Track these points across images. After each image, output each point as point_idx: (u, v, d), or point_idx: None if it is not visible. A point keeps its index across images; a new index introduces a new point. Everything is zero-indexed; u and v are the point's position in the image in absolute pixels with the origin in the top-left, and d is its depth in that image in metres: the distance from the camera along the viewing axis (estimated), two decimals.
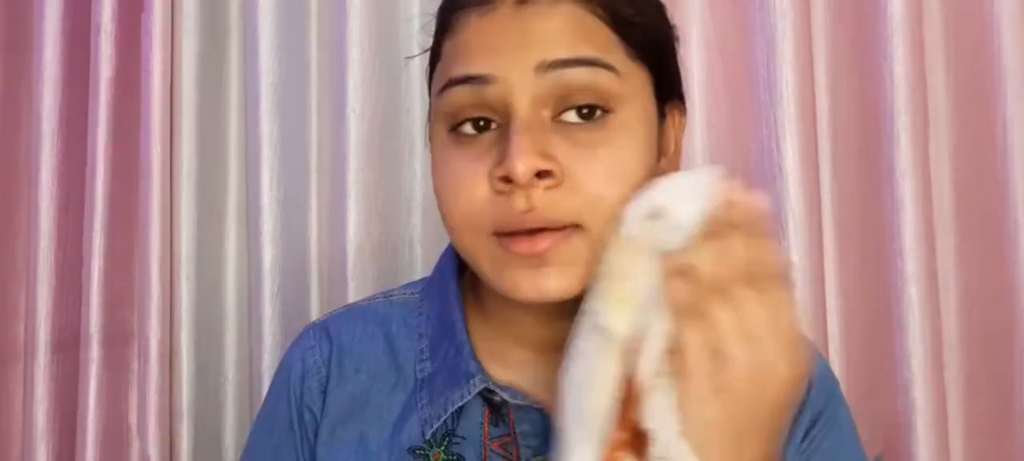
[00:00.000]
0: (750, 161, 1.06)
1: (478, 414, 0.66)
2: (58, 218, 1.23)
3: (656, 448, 0.53)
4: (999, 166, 1.03)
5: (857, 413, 0.74)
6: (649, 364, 0.53)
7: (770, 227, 0.53)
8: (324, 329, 0.73)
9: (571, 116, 0.57)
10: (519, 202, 0.56)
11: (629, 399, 0.53)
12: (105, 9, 1.21)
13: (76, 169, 1.23)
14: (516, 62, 0.57)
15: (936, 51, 1.07)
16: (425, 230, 1.17)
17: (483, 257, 0.59)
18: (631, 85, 0.59)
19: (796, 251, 1.02)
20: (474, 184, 0.58)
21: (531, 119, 0.57)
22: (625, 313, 0.53)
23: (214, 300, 1.24)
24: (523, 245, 0.56)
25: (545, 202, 0.56)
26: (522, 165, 0.55)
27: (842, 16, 1.08)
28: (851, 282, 1.07)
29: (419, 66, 1.18)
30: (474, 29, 0.59)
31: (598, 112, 0.58)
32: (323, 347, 0.72)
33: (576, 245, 0.56)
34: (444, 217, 0.61)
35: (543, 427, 0.64)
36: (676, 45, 0.66)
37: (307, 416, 0.70)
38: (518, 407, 0.65)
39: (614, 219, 0.56)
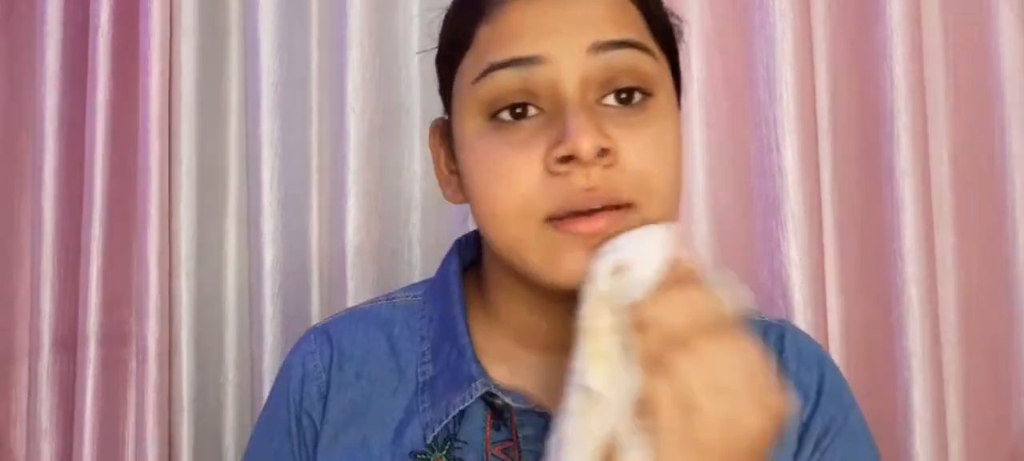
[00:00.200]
0: (750, 161, 1.06)
1: (480, 418, 0.66)
2: (59, 219, 1.23)
3: None
4: (998, 166, 1.03)
5: None
6: (623, 420, 0.52)
7: (715, 280, 0.53)
8: (325, 333, 0.73)
9: (610, 100, 0.58)
10: (580, 180, 0.56)
11: (610, 457, 0.53)
12: (104, 9, 1.21)
13: (76, 169, 1.23)
14: (569, 43, 0.57)
15: (936, 51, 1.07)
16: (425, 230, 1.17)
17: (531, 246, 0.58)
18: (663, 72, 0.61)
19: (796, 251, 1.02)
20: (526, 169, 0.57)
21: (582, 100, 0.57)
22: (603, 369, 0.53)
23: (214, 300, 1.24)
24: (582, 224, 0.56)
25: (605, 181, 0.56)
26: (587, 142, 0.55)
27: (842, 16, 1.08)
28: (851, 282, 1.06)
29: (419, 66, 1.18)
30: (519, 13, 0.58)
31: (637, 96, 0.58)
32: (324, 352, 0.71)
33: (631, 223, 0.57)
34: (485, 209, 0.60)
35: (546, 432, 0.63)
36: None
37: (306, 421, 0.70)
38: (521, 411, 0.64)
39: (664, 200, 0.58)
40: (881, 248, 1.02)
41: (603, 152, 0.56)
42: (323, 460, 0.68)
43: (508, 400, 0.64)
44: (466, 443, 0.65)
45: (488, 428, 0.65)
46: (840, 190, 1.07)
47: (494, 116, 0.59)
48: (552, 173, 0.56)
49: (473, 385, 0.64)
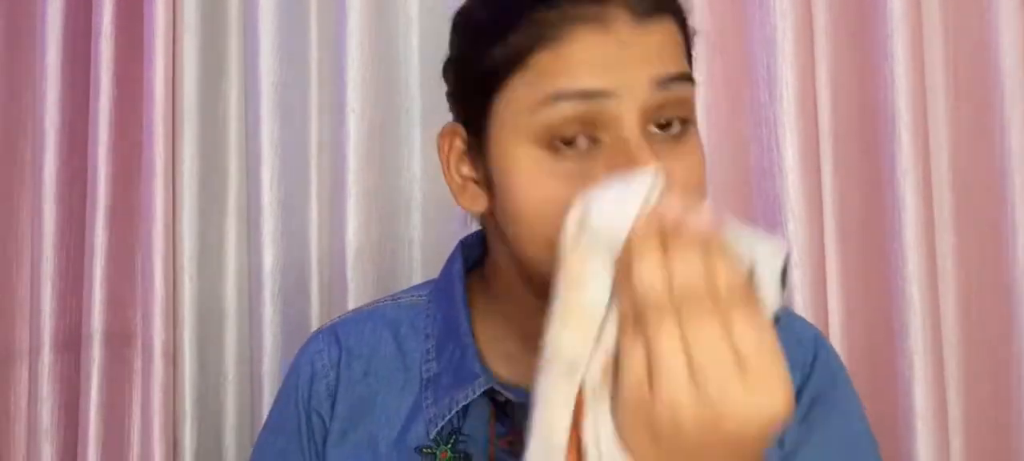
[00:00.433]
0: (750, 161, 1.06)
1: (484, 413, 0.67)
2: (61, 218, 1.23)
3: None
4: (999, 166, 1.03)
5: None
6: (593, 373, 0.49)
7: (721, 242, 0.47)
8: (333, 333, 0.74)
9: (653, 128, 0.58)
10: None
11: (578, 409, 0.50)
12: (106, 10, 1.21)
13: (78, 170, 1.23)
14: (636, 77, 0.57)
15: (936, 51, 1.07)
16: (425, 230, 1.17)
17: None
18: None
19: (796, 251, 1.02)
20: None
21: (643, 132, 0.57)
22: (574, 322, 0.50)
23: (215, 300, 1.24)
24: None
25: None
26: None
27: (842, 16, 1.08)
28: (851, 282, 1.06)
29: (419, 66, 1.18)
30: (589, 44, 0.57)
31: (677, 125, 0.59)
32: (332, 351, 0.72)
33: None
34: (533, 232, 0.58)
35: None
36: None
37: (315, 420, 0.71)
38: (523, 406, 0.65)
39: None
40: (881, 248, 1.02)
41: None
42: (332, 456, 0.69)
43: (510, 396, 0.65)
44: (470, 437, 0.66)
45: (492, 422, 0.66)
46: (840, 190, 1.07)
47: (549, 143, 0.58)
48: None
49: (476, 382, 0.65)
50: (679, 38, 0.61)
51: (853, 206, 1.07)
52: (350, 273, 1.13)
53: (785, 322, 0.69)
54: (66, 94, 1.24)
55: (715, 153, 1.08)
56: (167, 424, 1.18)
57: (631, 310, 0.47)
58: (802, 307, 1.01)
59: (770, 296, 0.47)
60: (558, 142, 0.57)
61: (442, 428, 0.66)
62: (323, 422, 0.71)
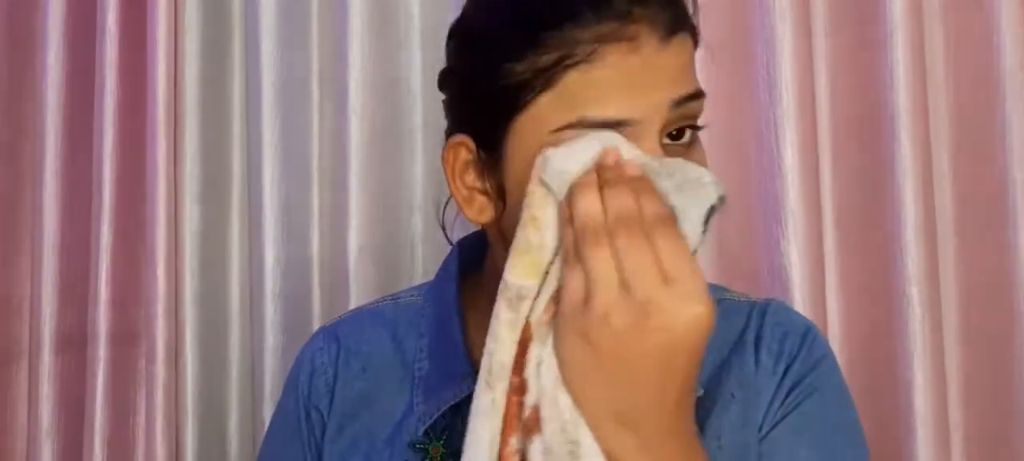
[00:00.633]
0: (750, 161, 1.06)
1: None
2: (63, 218, 1.23)
3: (529, 397, 0.53)
4: (999, 166, 1.03)
5: (857, 412, 0.74)
6: (538, 311, 0.54)
7: (651, 184, 0.53)
8: (333, 331, 0.76)
9: (665, 139, 0.60)
10: None
11: (524, 344, 0.54)
12: (109, 10, 1.21)
13: (81, 170, 1.24)
14: (659, 100, 0.58)
15: (936, 51, 1.07)
16: (426, 231, 1.17)
17: None
18: None
19: (796, 251, 1.02)
20: None
21: (659, 146, 0.58)
22: (525, 261, 0.55)
23: (218, 300, 1.24)
24: None
25: None
26: None
27: (842, 16, 1.08)
28: (851, 282, 1.07)
29: (420, 67, 1.18)
30: (618, 67, 0.57)
31: (688, 134, 0.61)
32: (331, 349, 0.74)
33: None
34: None
35: None
36: None
37: (314, 416, 0.72)
38: None
39: None
40: (881, 248, 1.02)
41: None
42: (330, 450, 0.70)
43: None
44: (463, 433, 0.66)
45: None
46: (840, 190, 1.07)
47: None
48: None
49: (465, 381, 0.66)
50: (692, 52, 0.62)
51: (853, 206, 1.07)
52: (352, 273, 1.14)
53: (772, 312, 0.70)
54: (68, 93, 1.24)
55: (715, 153, 1.08)
56: (170, 422, 1.19)
57: (573, 241, 0.52)
58: (802, 307, 1.01)
59: (692, 233, 0.53)
60: None
61: (435, 424, 0.67)
62: (322, 418, 0.72)
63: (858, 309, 1.06)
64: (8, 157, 1.30)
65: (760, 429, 0.66)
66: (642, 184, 0.53)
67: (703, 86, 1.07)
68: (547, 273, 0.55)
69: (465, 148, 0.64)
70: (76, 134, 1.24)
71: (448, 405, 0.66)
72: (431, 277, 0.76)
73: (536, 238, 0.55)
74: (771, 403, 0.66)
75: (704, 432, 0.64)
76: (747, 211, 1.07)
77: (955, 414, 1.05)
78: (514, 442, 0.54)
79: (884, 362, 1.02)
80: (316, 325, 1.15)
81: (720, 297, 0.70)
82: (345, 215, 1.14)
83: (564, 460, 0.52)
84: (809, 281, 1.02)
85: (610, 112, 0.57)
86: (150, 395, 1.19)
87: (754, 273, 1.05)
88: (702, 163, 0.61)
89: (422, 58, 1.18)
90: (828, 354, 0.70)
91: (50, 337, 1.22)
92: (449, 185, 0.65)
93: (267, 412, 1.14)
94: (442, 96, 0.67)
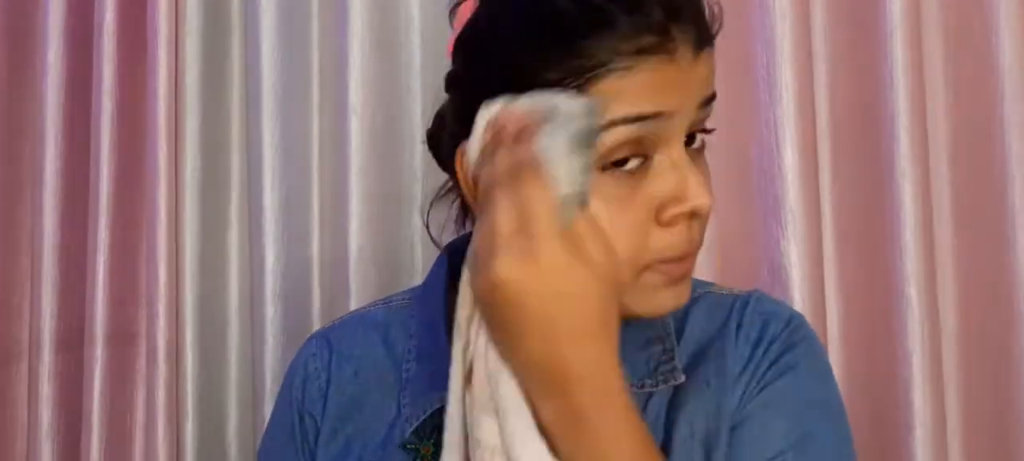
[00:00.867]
0: (750, 161, 1.06)
1: None
2: (62, 217, 1.23)
3: (476, 378, 0.55)
4: (998, 166, 1.03)
5: (856, 412, 0.74)
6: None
7: (533, 132, 0.53)
8: (325, 337, 0.76)
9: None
10: (693, 231, 0.60)
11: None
12: (108, 9, 1.21)
13: (80, 168, 1.24)
14: (690, 100, 0.59)
15: (936, 51, 1.07)
16: (426, 231, 1.16)
17: (628, 288, 0.59)
18: None
19: (796, 251, 1.02)
20: (644, 222, 0.59)
21: (683, 151, 0.60)
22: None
23: (217, 300, 1.24)
24: (679, 268, 0.61)
25: (699, 227, 0.62)
26: (709, 200, 0.59)
27: (842, 16, 1.08)
28: (851, 282, 1.07)
29: (420, 67, 1.18)
30: (657, 72, 0.57)
31: (699, 138, 0.62)
32: (323, 354, 0.74)
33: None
34: None
35: None
36: None
37: (308, 420, 0.73)
38: None
39: None
40: (881, 248, 1.02)
41: None
42: (323, 454, 0.71)
43: None
44: None
45: None
46: (840, 190, 1.07)
47: (600, 166, 0.58)
48: (663, 224, 0.59)
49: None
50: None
51: (853, 206, 1.07)
52: (352, 273, 1.14)
53: (754, 303, 0.70)
54: (68, 93, 1.24)
55: (715, 153, 1.08)
56: (170, 423, 1.19)
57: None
58: (802, 307, 1.01)
59: (561, 173, 0.52)
60: (609, 164, 0.58)
61: (425, 424, 0.67)
62: (315, 422, 0.72)
63: (857, 309, 1.06)
64: (8, 157, 1.30)
65: (734, 411, 0.65)
66: (521, 133, 0.54)
67: None
68: None
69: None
70: (76, 134, 1.24)
71: (434, 408, 0.66)
72: None
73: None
74: (748, 384, 0.66)
75: (678, 420, 0.64)
76: (747, 211, 1.07)
77: (953, 414, 1.05)
78: (467, 398, 0.56)
79: (883, 362, 1.02)
80: (316, 325, 1.15)
81: (706, 291, 0.71)
82: (345, 215, 1.14)
83: (487, 406, 0.54)
84: (809, 281, 1.02)
85: (641, 108, 0.57)
86: (150, 395, 1.19)
87: (754, 273, 1.05)
88: (708, 169, 0.62)
89: (422, 58, 1.18)
90: (809, 337, 0.70)
91: (50, 337, 1.22)
92: (460, 189, 0.65)
93: (267, 412, 1.13)
94: (436, 101, 0.67)
